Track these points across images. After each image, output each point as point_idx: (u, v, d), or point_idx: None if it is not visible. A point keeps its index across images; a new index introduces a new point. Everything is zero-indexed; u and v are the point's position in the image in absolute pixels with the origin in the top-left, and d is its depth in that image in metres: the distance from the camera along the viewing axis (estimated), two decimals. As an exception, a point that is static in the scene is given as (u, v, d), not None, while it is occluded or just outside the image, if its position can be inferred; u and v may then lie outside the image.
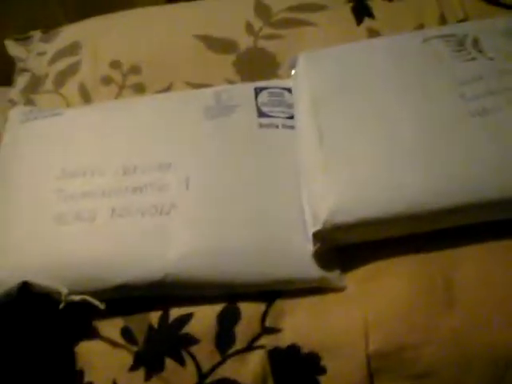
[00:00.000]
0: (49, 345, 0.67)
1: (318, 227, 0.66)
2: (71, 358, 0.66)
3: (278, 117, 0.79)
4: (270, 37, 0.92)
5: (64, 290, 0.66)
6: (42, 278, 0.67)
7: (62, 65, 0.96)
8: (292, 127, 0.78)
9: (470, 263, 0.66)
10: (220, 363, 0.64)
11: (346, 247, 0.69)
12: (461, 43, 0.77)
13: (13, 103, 0.94)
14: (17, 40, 1.05)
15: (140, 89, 0.90)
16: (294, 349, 0.64)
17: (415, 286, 0.66)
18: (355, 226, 0.66)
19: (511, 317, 0.63)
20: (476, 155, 0.67)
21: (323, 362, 0.64)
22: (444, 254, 0.67)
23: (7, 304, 0.67)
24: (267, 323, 0.66)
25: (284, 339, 0.65)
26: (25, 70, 1.00)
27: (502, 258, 0.66)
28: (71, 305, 0.66)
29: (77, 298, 0.66)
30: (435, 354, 0.62)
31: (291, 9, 0.94)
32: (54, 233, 0.71)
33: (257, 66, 0.89)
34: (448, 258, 0.67)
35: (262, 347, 0.65)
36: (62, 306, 0.65)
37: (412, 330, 0.64)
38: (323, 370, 0.63)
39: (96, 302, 0.65)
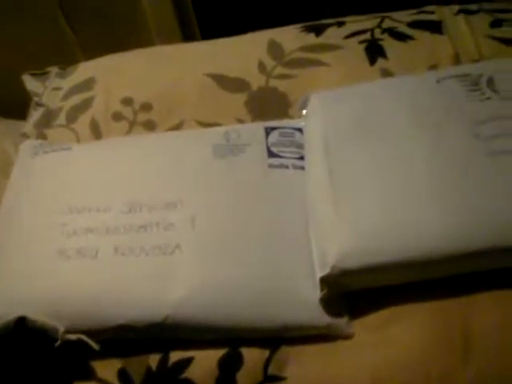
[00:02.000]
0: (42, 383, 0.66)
1: (326, 272, 0.64)
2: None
3: (288, 157, 0.77)
4: (283, 76, 0.91)
5: (61, 328, 0.64)
6: (40, 314, 0.66)
7: (75, 100, 0.97)
8: (302, 168, 0.76)
9: (486, 311, 0.64)
10: (220, 411, 0.61)
11: (355, 292, 0.67)
12: (475, 83, 0.76)
13: (25, 137, 0.95)
14: (34, 75, 1.07)
15: (150, 126, 0.90)
16: (297, 399, 0.61)
17: (430, 335, 0.63)
18: (364, 271, 0.64)
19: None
20: (491, 199, 0.65)
21: (329, 415, 0.60)
22: (460, 301, 0.65)
23: (2, 338, 0.66)
24: (270, 371, 0.64)
25: (288, 388, 0.62)
26: (40, 105, 1.01)
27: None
28: (68, 343, 0.64)
29: (73, 337, 0.64)
30: None
31: (304, 48, 0.94)
32: (55, 268, 0.70)
33: (268, 105, 0.89)
34: (464, 306, 0.64)
35: (264, 396, 0.62)
36: (58, 343, 0.64)
37: (426, 382, 0.61)
38: (328, 424, 0.60)
39: (91, 343, 0.64)
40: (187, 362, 0.65)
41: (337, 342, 0.65)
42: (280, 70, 0.92)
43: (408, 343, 0.63)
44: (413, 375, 0.61)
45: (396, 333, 0.64)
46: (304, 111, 0.82)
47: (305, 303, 0.66)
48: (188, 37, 1.44)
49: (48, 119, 0.97)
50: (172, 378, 0.64)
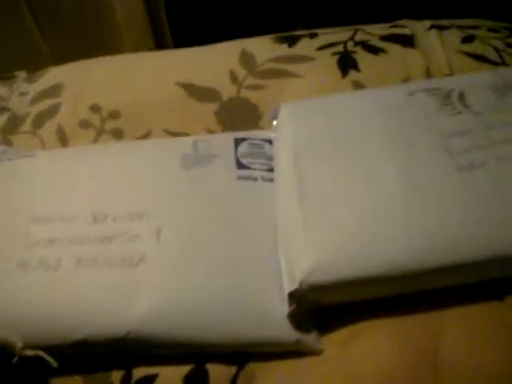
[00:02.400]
0: (0, 402, 0.63)
1: (295, 287, 0.63)
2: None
3: (257, 169, 0.76)
4: (254, 87, 0.91)
5: (18, 343, 0.62)
6: (-1, 328, 0.63)
7: (42, 106, 0.95)
8: (272, 180, 0.75)
9: (456, 326, 0.63)
10: (185, 430, 0.60)
11: (324, 307, 0.66)
12: (447, 97, 0.76)
13: (-10, 142, 0.92)
14: (0, 79, 1.05)
15: (118, 134, 0.88)
16: (264, 418, 0.60)
17: (399, 351, 0.62)
18: (333, 286, 0.63)
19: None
20: (461, 213, 0.65)
21: (297, 434, 0.59)
22: (429, 316, 0.64)
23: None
24: (237, 388, 0.62)
25: (255, 406, 0.61)
26: (5, 109, 0.99)
27: (490, 319, 0.63)
28: (26, 359, 0.62)
29: (31, 353, 0.62)
30: None
31: (276, 59, 0.94)
32: (15, 280, 0.68)
33: (239, 116, 0.88)
34: (433, 320, 0.64)
35: (230, 414, 0.60)
36: (15, 360, 0.62)
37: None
38: None
39: (50, 359, 0.61)
40: (151, 379, 0.63)
41: (305, 359, 0.64)
42: (251, 80, 0.92)
43: (377, 359, 0.62)
44: (381, 392, 0.60)
45: (364, 349, 0.63)
46: (274, 122, 0.81)
47: (273, 319, 0.64)
48: (160, 45, 1.44)
49: (14, 125, 0.94)
50: (135, 395, 0.62)
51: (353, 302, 0.65)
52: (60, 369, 0.62)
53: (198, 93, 0.91)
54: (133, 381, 0.63)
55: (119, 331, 0.63)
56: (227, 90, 0.91)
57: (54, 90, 0.97)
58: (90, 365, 0.65)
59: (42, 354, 0.62)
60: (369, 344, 0.63)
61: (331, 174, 0.70)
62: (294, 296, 0.63)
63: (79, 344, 0.64)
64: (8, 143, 0.91)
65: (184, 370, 0.63)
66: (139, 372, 0.64)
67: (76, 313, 0.65)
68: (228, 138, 0.80)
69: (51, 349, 0.63)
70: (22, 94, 1.00)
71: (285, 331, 0.64)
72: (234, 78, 0.92)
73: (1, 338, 0.63)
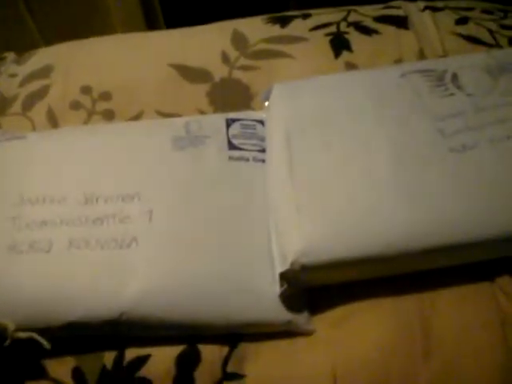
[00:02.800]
0: (-8, 384, 0.63)
1: (286, 268, 0.63)
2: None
3: (249, 150, 0.76)
4: (246, 68, 0.90)
5: (10, 326, 0.62)
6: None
7: (32, 87, 0.94)
8: (263, 161, 0.75)
9: (448, 307, 0.64)
10: (177, 410, 0.60)
11: (315, 288, 0.66)
12: (440, 78, 0.76)
13: (-21, 126, 0.91)
14: (-12, 61, 1.03)
15: (109, 116, 0.87)
16: (256, 397, 0.60)
17: (390, 332, 0.63)
18: (325, 267, 0.63)
19: (489, 365, 0.61)
20: (453, 195, 0.65)
21: (287, 413, 0.59)
22: (421, 297, 0.64)
23: None
24: (229, 368, 0.62)
25: (247, 386, 0.61)
26: (-6, 91, 0.97)
27: (481, 300, 0.64)
28: (19, 342, 0.62)
29: (23, 335, 0.62)
30: None
31: (268, 40, 0.93)
32: (6, 263, 0.67)
33: (230, 97, 0.87)
34: (425, 301, 0.64)
35: (222, 394, 0.61)
36: (7, 342, 0.61)
37: (386, 380, 0.60)
38: (287, 422, 0.59)
39: (43, 341, 0.61)
40: (143, 360, 0.63)
41: (297, 339, 0.64)
42: (243, 61, 0.91)
43: (368, 340, 0.63)
44: (373, 372, 0.61)
45: (356, 329, 0.63)
46: (266, 103, 0.81)
47: (264, 300, 0.64)
48: (152, 25, 1.42)
49: (3, 107, 0.93)
50: (128, 376, 0.62)
51: (344, 282, 0.66)
52: (52, 350, 0.62)
53: (189, 73, 0.90)
54: (125, 361, 0.63)
55: (112, 313, 0.63)
56: (219, 71, 0.90)
57: (44, 71, 0.96)
58: (82, 346, 0.65)
59: (34, 335, 0.61)
60: (360, 324, 0.64)
61: (323, 156, 0.70)
62: (285, 277, 0.63)
63: (72, 326, 0.63)
64: (-3, 125, 0.90)
65: (176, 350, 0.63)
66: (131, 353, 0.64)
67: (68, 294, 0.65)
68: (220, 118, 0.80)
69: (43, 331, 0.63)
70: (11, 75, 0.98)
71: (276, 312, 0.64)
72: (225, 58, 0.91)
73: (-8, 320, 0.62)
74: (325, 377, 0.61)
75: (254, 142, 0.77)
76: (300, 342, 0.64)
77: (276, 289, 0.64)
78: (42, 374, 0.64)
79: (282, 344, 0.64)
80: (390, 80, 0.77)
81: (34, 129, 0.88)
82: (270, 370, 0.62)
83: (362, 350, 0.62)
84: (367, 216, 0.64)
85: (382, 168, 0.67)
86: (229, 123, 0.79)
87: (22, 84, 0.95)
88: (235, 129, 0.78)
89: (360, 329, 0.63)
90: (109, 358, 0.64)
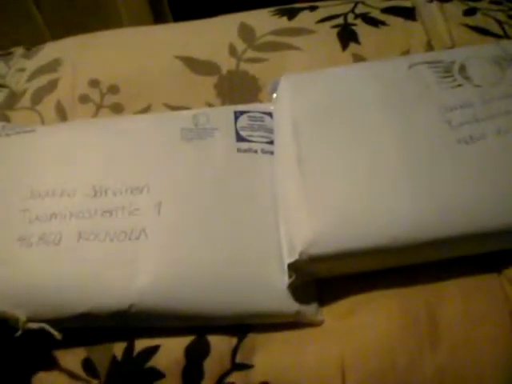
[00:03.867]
0: (3, 374, 0.64)
1: (294, 258, 0.63)
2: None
3: (257, 141, 0.76)
4: (253, 60, 0.90)
5: (22, 317, 0.62)
6: (0, 303, 0.63)
7: (40, 81, 0.94)
8: (271, 153, 0.75)
9: (455, 298, 0.64)
10: (186, 400, 0.60)
11: (324, 279, 0.66)
12: (447, 70, 0.76)
13: (-13, 119, 0.92)
14: (-2, 55, 1.04)
15: (118, 109, 0.88)
16: (265, 387, 0.61)
17: (398, 322, 0.63)
18: (333, 258, 0.63)
19: (496, 356, 0.61)
20: (461, 186, 0.65)
21: (296, 402, 0.60)
22: (428, 288, 0.65)
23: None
24: (238, 359, 0.63)
25: (255, 376, 0.62)
26: (3, 86, 0.97)
27: (488, 292, 0.64)
28: (30, 333, 0.63)
29: (35, 326, 0.62)
30: None
31: (276, 32, 0.93)
32: (16, 255, 0.68)
33: (238, 89, 0.87)
34: (433, 292, 0.64)
35: (232, 384, 0.61)
36: (19, 333, 0.62)
37: (393, 370, 0.60)
38: (295, 411, 0.59)
39: (54, 332, 0.61)
40: (153, 351, 0.63)
41: (305, 330, 0.64)
42: (251, 53, 0.91)
43: (375, 331, 0.63)
44: (380, 363, 0.61)
45: (363, 320, 0.64)
46: (274, 95, 0.81)
47: (273, 290, 0.65)
48: (159, 18, 1.42)
49: (12, 101, 0.93)
50: (138, 367, 0.63)
51: (352, 274, 0.66)
52: (63, 341, 0.62)
53: (197, 66, 0.91)
54: (135, 352, 0.64)
55: (122, 304, 0.64)
56: (227, 63, 0.90)
57: (52, 66, 0.96)
58: (92, 337, 0.65)
59: (46, 326, 0.62)
60: (368, 316, 0.64)
61: (331, 147, 0.70)
62: (293, 267, 0.64)
63: (81, 317, 0.64)
64: (6, 120, 0.90)
65: (185, 341, 0.64)
66: (141, 343, 0.64)
67: (78, 286, 0.65)
68: (228, 110, 0.80)
69: (54, 322, 0.63)
70: (20, 70, 0.99)
71: (285, 302, 0.64)
72: (233, 51, 0.92)
73: (4, 311, 0.63)
74: (333, 367, 0.61)
75: (262, 133, 0.77)
76: (308, 332, 0.64)
77: (285, 279, 0.65)
78: (53, 364, 0.64)
79: (291, 334, 0.64)
80: (397, 71, 0.77)
81: (42, 122, 0.89)
82: (279, 360, 0.63)
83: (369, 341, 0.62)
84: (375, 207, 0.65)
85: (390, 159, 0.68)
86: (237, 115, 0.79)
87: (30, 78, 0.96)
88: (243, 121, 0.78)
89: (367, 319, 0.64)
90: (119, 348, 0.64)
